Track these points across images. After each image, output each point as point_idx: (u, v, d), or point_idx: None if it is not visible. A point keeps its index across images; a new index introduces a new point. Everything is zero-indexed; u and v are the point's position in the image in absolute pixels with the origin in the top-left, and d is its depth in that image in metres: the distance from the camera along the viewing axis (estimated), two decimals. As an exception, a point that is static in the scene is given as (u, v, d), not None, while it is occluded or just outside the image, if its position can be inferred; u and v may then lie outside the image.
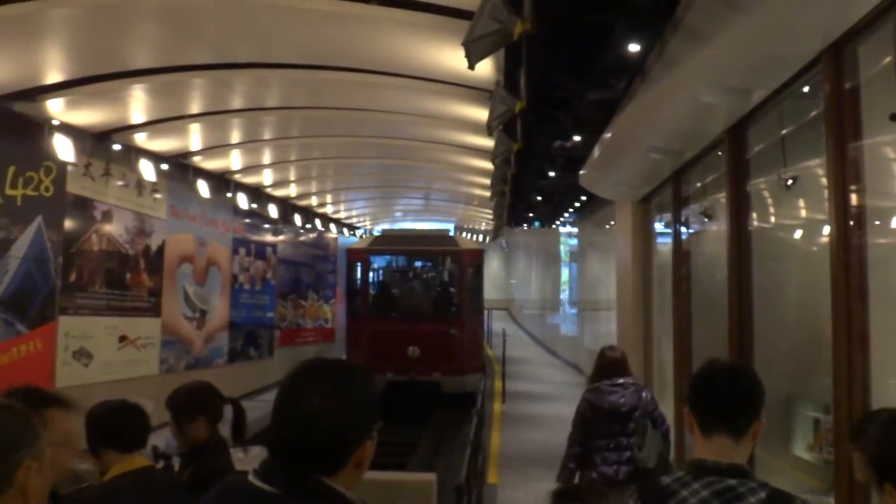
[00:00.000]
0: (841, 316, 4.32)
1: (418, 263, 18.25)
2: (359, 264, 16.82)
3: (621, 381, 5.59)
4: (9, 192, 9.22)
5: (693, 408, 2.15)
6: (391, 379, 14.50)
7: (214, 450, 3.53)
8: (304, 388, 1.57)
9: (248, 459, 3.52)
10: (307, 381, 1.59)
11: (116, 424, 3.03)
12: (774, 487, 2.00)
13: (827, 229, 4.59)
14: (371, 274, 17.26)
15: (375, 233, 22.99)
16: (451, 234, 22.57)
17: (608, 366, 5.69)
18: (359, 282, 16.92)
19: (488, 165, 11.72)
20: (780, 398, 5.84)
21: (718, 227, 7.05)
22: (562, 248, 25.63)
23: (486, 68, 7.32)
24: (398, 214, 28.57)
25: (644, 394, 5.64)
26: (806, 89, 5.09)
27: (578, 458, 5.52)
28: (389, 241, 18.43)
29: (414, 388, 14.69)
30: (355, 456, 1.58)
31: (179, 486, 3.15)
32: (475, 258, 17.04)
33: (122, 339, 11.79)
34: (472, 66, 5.21)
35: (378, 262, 17.61)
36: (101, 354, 11.17)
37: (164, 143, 11.82)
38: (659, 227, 9.78)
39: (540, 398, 14.97)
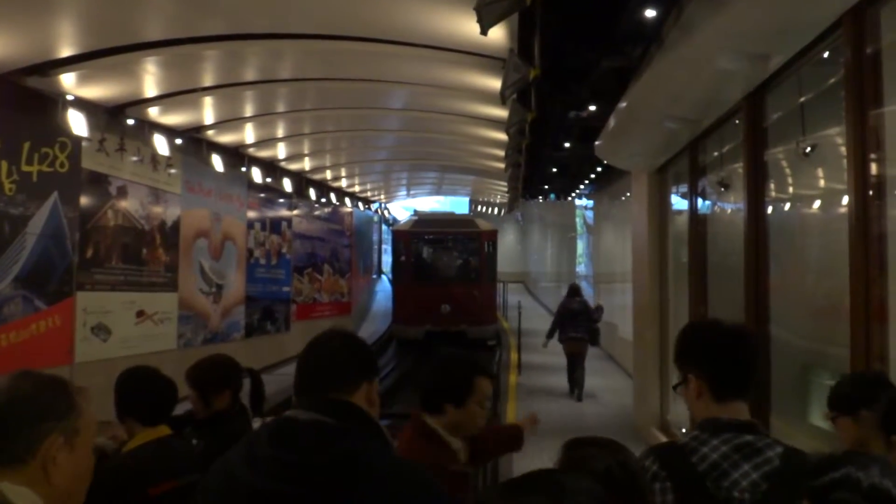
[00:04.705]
0: (859, 286, 4.27)
1: (447, 241, 22.43)
2: (402, 242, 21.85)
3: (578, 298, 12.88)
4: (24, 168, 9.26)
5: (705, 376, 2.13)
6: (428, 329, 19.52)
7: (238, 416, 3.61)
8: (330, 336, 2.10)
9: None
10: (332, 333, 2.12)
11: (142, 396, 3.05)
12: (787, 445, 2.04)
13: (846, 199, 4.51)
14: (412, 249, 21.82)
15: (389, 207, 27.88)
16: (468, 210, 29.93)
17: (572, 290, 13.19)
18: (402, 256, 21.73)
19: (503, 137, 11.66)
20: (797, 367, 5.81)
21: (735, 197, 6.97)
22: (577, 220, 25.47)
23: (499, 35, 7.25)
24: (413, 188, 28.54)
25: (587, 304, 13.11)
26: (826, 55, 4.99)
27: (555, 329, 12.73)
28: (425, 224, 23.03)
29: (446, 335, 19.18)
30: (364, 388, 2.02)
31: (198, 454, 3.18)
32: (491, 237, 22.00)
33: (140, 314, 11.89)
34: (484, 32, 5.15)
35: (417, 240, 22.05)
36: (120, 330, 11.28)
37: (177, 117, 11.83)
38: (675, 198, 9.69)
39: (555, 370, 14.95)
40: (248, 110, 12.45)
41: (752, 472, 1.95)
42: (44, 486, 1.59)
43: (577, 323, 12.53)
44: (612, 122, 9.06)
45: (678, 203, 9.52)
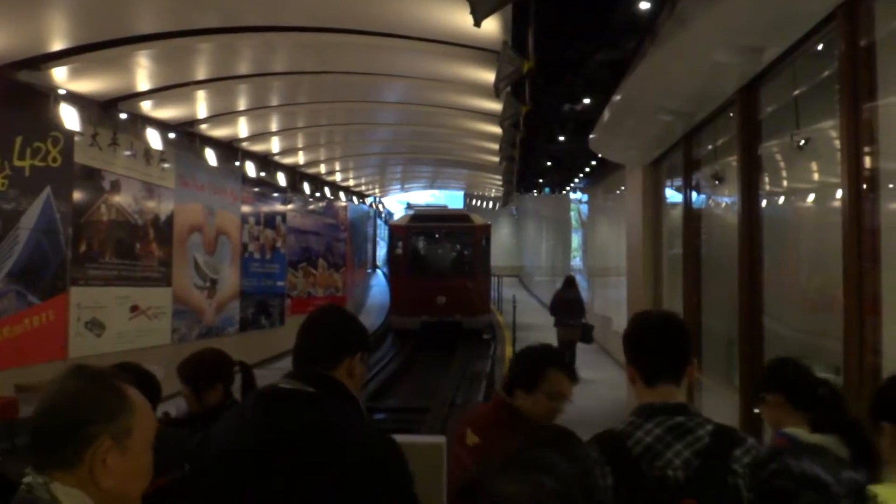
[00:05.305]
0: (852, 279, 4.26)
1: (443, 235, 23.06)
2: (399, 236, 22.60)
3: (572, 289, 14.05)
4: (17, 162, 9.21)
5: (635, 363, 2.30)
6: (424, 320, 20.29)
7: (230, 410, 3.60)
8: (319, 314, 2.38)
9: None
10: (321, 312, 2.40)
11: None
12: (717, 423, 2.15)
13: (840, 192, 4.51)
14: (409, 243, 22.38)
15: (384, 201, 28.49)
16: (463, 204, 31.40)
17: (567, 283, 14.40)
18: (399, 249, 22.40)
19: (498, 130, 11.64)
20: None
21: (729, 190, 6.97)
22: (572, 214, 25.48)
23: (493, 28, 7.22)
24: (408, 182, 28.49)
25: (578, 294, 14.25)
26: (820, 47, 4.98)
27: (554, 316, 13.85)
28: (422, 219, 23.62)
29: (441, 325, 20.20)
30: (347, 363, 2.23)
31: (190, 448, 3.16)
32: (485, 231, 22.70)
33: (134, 308, 11.85)
34: (477, 23, 5.12)
35: (413, 234, 22.61)
36: (114, 325, 11.24)
37: (170, 111, 11.77)
38: (669, 191, 9.69)
39: (550, 363, 15.05)
40: (242, 104, 12.39)
41: (685, 451, 2.08)
42: (95, 487, 1.53)
43: (570, 310, 13.89)
44: (606, 115, 9.05)
45: (672, 196, 9.52)
